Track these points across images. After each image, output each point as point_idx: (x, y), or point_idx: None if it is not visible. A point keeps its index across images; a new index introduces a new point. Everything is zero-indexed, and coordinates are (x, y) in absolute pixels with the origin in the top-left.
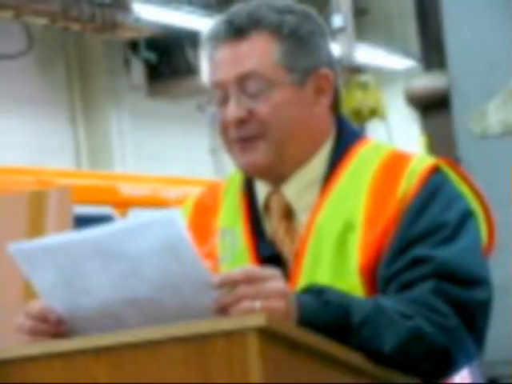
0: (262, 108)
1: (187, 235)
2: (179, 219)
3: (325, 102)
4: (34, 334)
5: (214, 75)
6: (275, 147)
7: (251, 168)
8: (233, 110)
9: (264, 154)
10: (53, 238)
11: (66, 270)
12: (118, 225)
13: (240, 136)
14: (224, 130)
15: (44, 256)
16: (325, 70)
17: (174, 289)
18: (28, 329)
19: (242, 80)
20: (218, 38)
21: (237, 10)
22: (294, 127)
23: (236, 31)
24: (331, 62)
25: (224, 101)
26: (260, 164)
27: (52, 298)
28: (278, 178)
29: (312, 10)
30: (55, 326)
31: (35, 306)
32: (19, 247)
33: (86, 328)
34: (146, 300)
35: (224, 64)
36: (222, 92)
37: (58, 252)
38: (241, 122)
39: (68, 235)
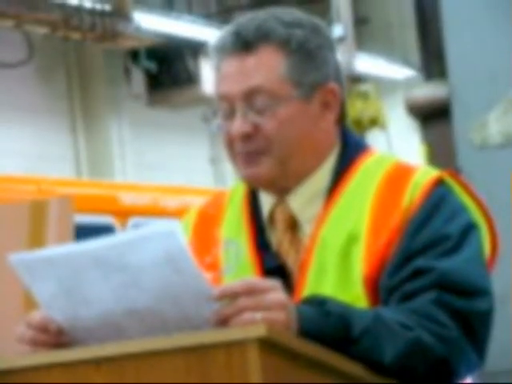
0: (268, 124)
1: (187, 247)
2: (179, 231)
3: (330, 117)
4: (35, 344)
5: (221, 87)
6: (279, 162)
7: (254, 180)
8: (239, 125)
9: (267, 168)
10: (53, 250)
11: (67, 281)
12: (119, 237)
13: (245, 151)
14: (229, 143)
15: (44, 267)
16: (332, 85)
17: (174, 300)
18: (29, 339)
19: (248, 95)
20: (225, 49)
21: (245, 21)
22: (299, 142)
23: (243, 44)
24: (338, 76)
25: (230, 114)
26: (263, 177)
27: (52, 308)
28: (281, 190)
29: (321, 22)
30: (56, 337)
31: (36, 316)
32: (20, 258)
33: (87, 338)
34: (146, 310)
35: (231, 77)
36: (228, 105)
37: (58, 263)
38: (246, 137)
39: (68, 247)
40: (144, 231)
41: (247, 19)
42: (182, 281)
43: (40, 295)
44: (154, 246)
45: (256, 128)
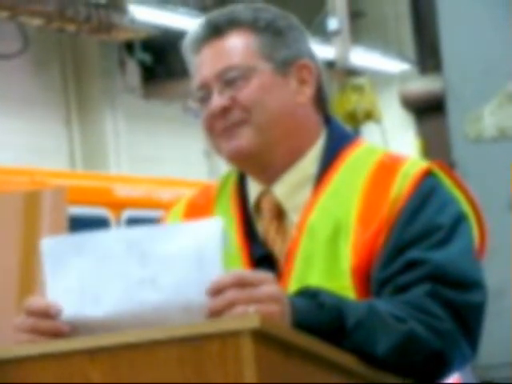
0: (243, 92)
1: (220, 245)
2: (219, 228)
3: (308, 91)
4: (34, 332)
5: (199, 77)
6: (259, 131)
7: (238, 154)
8: (216, 100)
9: (248, 138)
10: (89, 236)
11: (87, 274)
12: (157, 226)
13: (226, 125)
14: (209, 125)
15: (72, 256)
16: (305, 61)
17: (185, 304)
18: (28, 327)
19: (222, 73)
20: (198, 41)
21: (214, 13)
22: (277, 112)
23: (214, 31)
24: (312, 57)
25: (207, 97)
26: (245, 148)
27: (58, 302)
28: (267, 169)
29: (292, 16)
30: (56, 324)
31: (35, 302)
32: (50, 243)
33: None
34: (152, 315)
35: (205, 64)
36: (205, 90)
37: (88, 251)
38: (225, 111)
39: (101, 233)
40: (187, 223)
41: (216, 11)
42: (200, 279)
43: (52, 286)
44: (189, 237)
45: (233, 100)
